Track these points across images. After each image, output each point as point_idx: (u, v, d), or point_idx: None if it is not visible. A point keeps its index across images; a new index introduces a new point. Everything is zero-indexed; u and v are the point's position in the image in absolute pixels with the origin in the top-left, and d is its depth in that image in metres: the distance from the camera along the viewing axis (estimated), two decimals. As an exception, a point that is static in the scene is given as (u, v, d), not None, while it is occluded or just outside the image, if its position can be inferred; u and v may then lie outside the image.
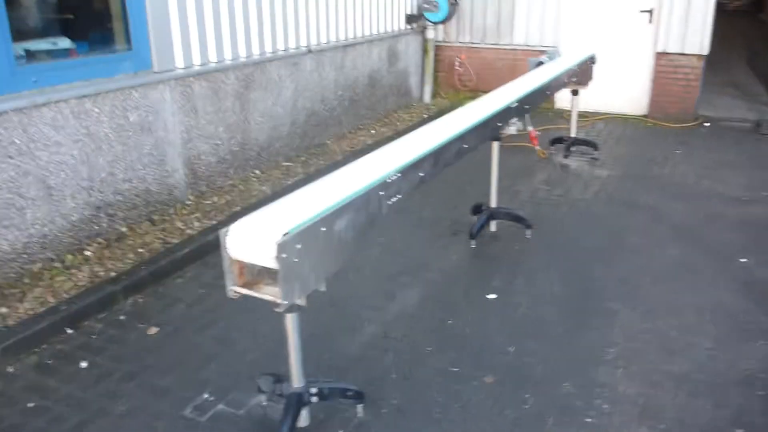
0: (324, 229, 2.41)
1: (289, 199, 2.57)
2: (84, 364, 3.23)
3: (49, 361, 3.26)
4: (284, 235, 2.22)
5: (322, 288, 2.48)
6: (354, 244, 2.64)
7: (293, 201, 2.54)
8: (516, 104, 4.27)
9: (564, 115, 8.12)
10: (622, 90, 8.16)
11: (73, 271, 3.94)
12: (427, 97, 8.71)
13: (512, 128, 4.22)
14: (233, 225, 2.33)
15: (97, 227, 4.32)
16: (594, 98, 7.93)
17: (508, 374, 3.17)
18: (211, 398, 3.00)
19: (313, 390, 2.70)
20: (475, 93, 8.83)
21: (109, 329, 3.55)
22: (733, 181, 5.87)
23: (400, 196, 2.98)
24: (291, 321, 2.54)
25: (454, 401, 2.97)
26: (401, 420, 2.85)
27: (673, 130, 7.59)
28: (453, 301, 3.84)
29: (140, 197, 4.60)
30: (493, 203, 4.62)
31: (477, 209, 4.74)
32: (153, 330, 3.54)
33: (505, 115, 4.13)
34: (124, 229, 4.48)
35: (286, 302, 2.28)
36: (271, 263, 2.23)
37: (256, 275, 2.44)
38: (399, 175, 2.92)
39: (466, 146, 3.59)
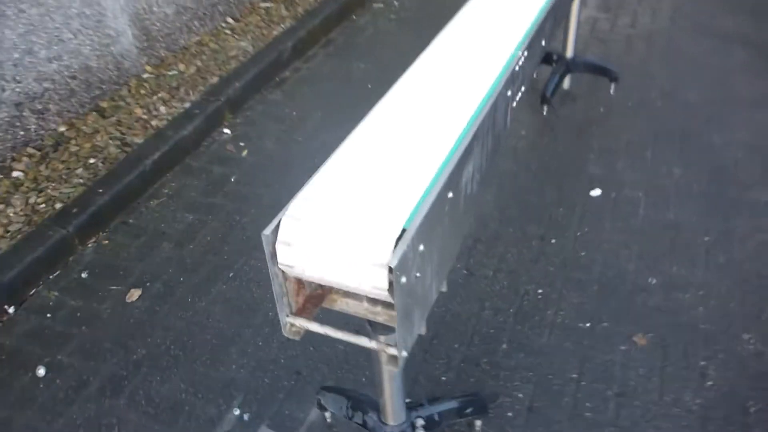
0: (451, 194, 1.26)
1: (362, 136, 1.37)
2: (41, 371, 2.17)
3: (-13, 368, 2.19)
4: (399, 239, 1.07)
5: (444, 289, 1.39)
6: (480, 196, 1.51)
7: (371, 140, 1.35)
8: None
9: None
10: None
11: (0, 206, 2.71)
12: None
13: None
14: (286, 215, 1.16)
15: (22, 132, 3.01)
16: None
17: (662, 326, 2.21)
18: (246, 415, 2.00)
19: (420, 422, 1.71)
20: None
21: (69, 299, 2.44)
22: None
23: (524, 88, 1.78)
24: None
25: (605, 384, 2.03)
26: (537, 426, 1.92)
27: None
28: (545, 205, 2.77)
29: (77, 79, 3.23)
30: (570, 51, 3.37)
31: (544, 59, 3.50)
32: (134, 294, 2.44)
33: None
34: (62, 129, 3.17)
35: (404, 354, 1.19)
36: (381, 293, 1.11)
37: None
38: (525, 53, 1.69)
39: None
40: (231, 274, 2.51)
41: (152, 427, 1.97)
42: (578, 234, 2.60)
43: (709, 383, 2.02)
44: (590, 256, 2.50)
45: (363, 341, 1.24)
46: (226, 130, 3.35)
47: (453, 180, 1.25)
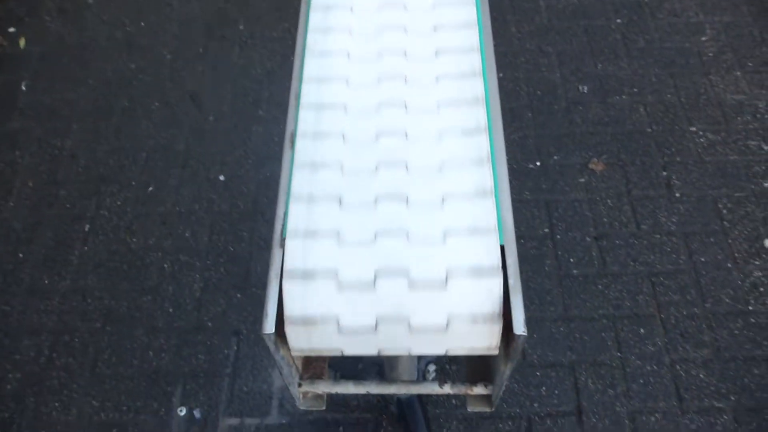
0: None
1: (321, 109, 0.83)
2: None
3: None
4: (503, 268, 0.64)
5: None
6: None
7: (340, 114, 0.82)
8: None
9: None
10: None
11: None
12: None
13: None
14: (288, 277, 0.66)
15: None
16: None
17: (612, 142, 1.99)
18: (196, 411, 1.57)
19: (432, 367, 1.40)
20: None
21: None
22: None
23: None
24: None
25: (580, 230, 1.81)
26: (530, 304, 1.70)
27: None
28: None
29: None
30: None
31: None
32: None
33: None
34: None
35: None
36: (485, 352, 0.69)
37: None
38: None
39: None
40: (87, 227, 1.87)
41: None
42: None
43: (677, 194, 1.87)
44: (511, 75, 2.14)
45: (431, 389, 0.83)
46: (-20, 14, 2.36)
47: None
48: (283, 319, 0.67)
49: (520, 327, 0.62)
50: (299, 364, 0.83)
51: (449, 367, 1.46)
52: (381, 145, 0.77)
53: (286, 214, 0.71)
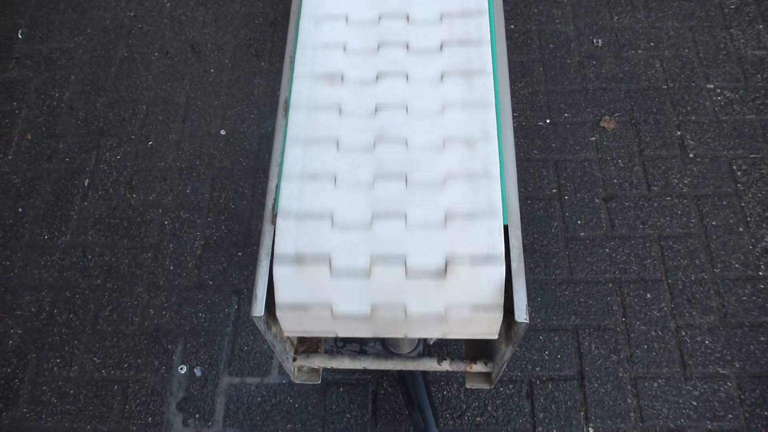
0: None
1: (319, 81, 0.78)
2: None
3: None
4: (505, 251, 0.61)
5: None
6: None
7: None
8: None
9: None
10: None
11: None
12: None
13: None
14: (278, 260, 0.62)
15: None
16: None
17: (625, 99, 1.92)
18: (197, 369, 1.57)
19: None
20: None
21: None
22: None
23: None
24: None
25: (589, 191, 1.77)
26: (535, 267, 1.67)
27: None
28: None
29: None
30: None
31: None
32: None
33: None
34: None
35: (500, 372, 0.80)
36: (484, 337, 0.67)
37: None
38: None
39: None
40: (87, 182, 1.84)
41: (84, 427, 1.51)
42: None
43: (691, 155, 1.82)
44: (522, 27, 2.05)
45: (430, 365, 0.81)
46: (-26, -42, 2.28)
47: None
48: (274, 298, 0.64)
49: (522, 314, 0.59)
50: (294, 339, 0.81)
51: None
52: (379, 119, 0.72)
53: (278, 186, 0.67)
